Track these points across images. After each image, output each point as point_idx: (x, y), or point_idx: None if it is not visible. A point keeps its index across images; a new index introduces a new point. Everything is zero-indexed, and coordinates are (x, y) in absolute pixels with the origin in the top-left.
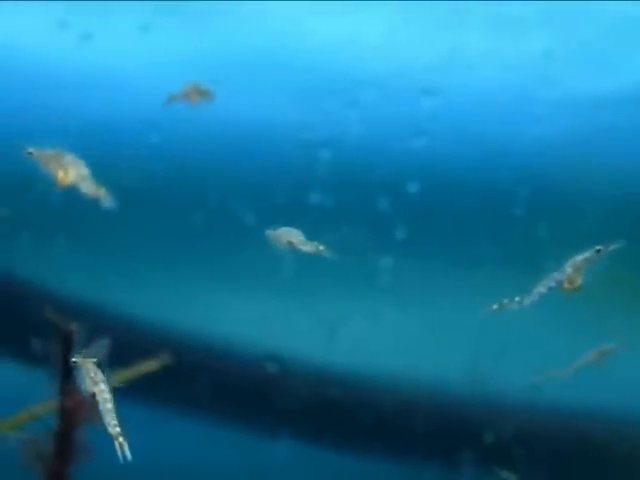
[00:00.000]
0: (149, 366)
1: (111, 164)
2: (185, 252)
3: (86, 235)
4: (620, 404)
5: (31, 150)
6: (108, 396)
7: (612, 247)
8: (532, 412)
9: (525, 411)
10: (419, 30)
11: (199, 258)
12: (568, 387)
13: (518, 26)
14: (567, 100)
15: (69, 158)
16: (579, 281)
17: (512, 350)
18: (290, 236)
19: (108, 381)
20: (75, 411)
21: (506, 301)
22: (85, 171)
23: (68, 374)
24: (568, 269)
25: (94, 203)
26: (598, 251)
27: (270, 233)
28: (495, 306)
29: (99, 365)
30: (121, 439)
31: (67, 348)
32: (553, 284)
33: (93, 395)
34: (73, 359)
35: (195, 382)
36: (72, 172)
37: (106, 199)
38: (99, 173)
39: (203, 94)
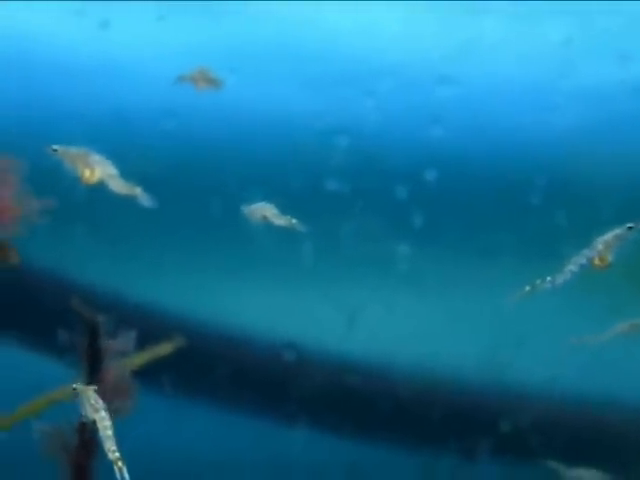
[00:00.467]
0: (164, 349)
1: (127, 152)
2: (202, 241)
3: (103, 224)
4: (636, 393)
5: (56, 147)
6: (108, 423)
7: None
8: (550, 401)
9: (543, 400)
10: (436, 19)
11: (217, 247)
12: (584, 376)
13: (535, 15)
14: (584, 89)
15: (96, 158)
16: (609, 258)
17: (530, 339)
18: (264, 210)
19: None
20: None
21: (538, 282)
22: (112, 170)
23: (95, 365)
24: (599, 246)
25: (110, 193)
26: (630, 228)
27: (245, 208)
28: (528, 287)
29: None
30: (120, 464)
31: (94, 339)
32: (584, 261)
33: (94, 422)
34: (74, 386)
35: (213, 370)
36: (98, 171)
37: (143, 197)
38: (114, 161)
39: (211, 81)
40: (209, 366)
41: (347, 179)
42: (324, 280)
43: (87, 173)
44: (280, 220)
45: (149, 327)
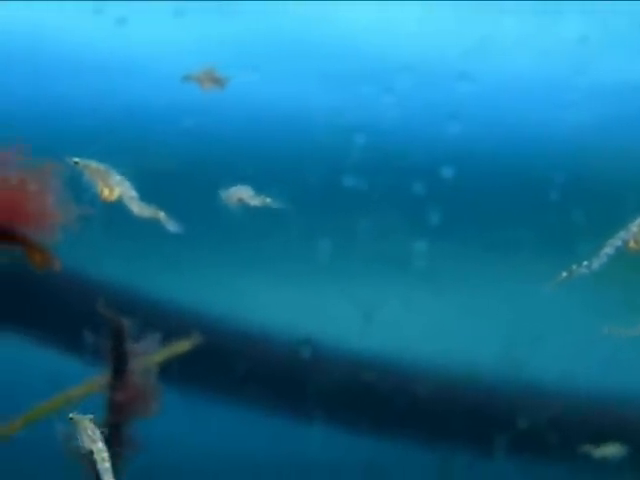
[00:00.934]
0: (181, 347)
1: (144, 148)
2: (219, 237)
3: (120, 221)
4: None
5: (77, 160)
6: (106, 455)
7: None
8: (567, 398)
9: (560, 397)
10: (454, 16)
11: (233, 243)
12: (602, 373)
13: (552, 13)
14: (602, 86)
15: (117, 178)
16: None
17: (547, 336)
18: (240, 193)
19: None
20: (126, 405)
21: (575, 267)
22: (132, 193)
23: (119, 368)
24: (634, 228)
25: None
26: None
27: (222, 193)
28: (565, 273)
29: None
30: None
31: (119, 341)
32: (619, 243)
33: (91, 453)
34: (70, 416)
35: (229, 367)
36: (117, 192)
37: (168, 223)
38: (132, 158)
39: (216, 81)
40: (225, 363)
41: (365, 176)
42: (341, 276)
43: (106, 192)
44: (255, 200)
45: (165, 324)
